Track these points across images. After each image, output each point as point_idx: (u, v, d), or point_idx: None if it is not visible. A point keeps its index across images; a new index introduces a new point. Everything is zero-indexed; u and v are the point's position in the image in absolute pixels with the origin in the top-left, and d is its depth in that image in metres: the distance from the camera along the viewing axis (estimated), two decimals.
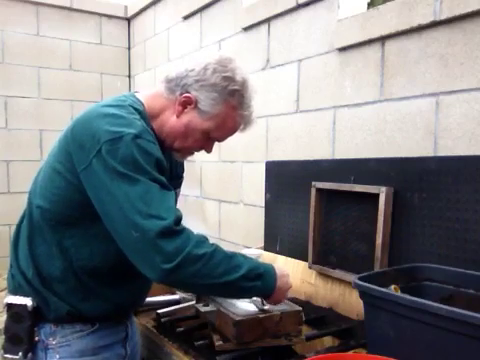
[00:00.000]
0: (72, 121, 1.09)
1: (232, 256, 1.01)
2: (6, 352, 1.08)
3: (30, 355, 1.08)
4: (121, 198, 0.94)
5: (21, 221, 1.17)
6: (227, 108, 1.10)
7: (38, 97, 3.33)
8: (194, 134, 1.13)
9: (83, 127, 1.02)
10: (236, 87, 1.09)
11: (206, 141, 1.17)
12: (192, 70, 1.08)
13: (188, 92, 1.09)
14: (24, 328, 1.07)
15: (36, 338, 1.09)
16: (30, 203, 1.13)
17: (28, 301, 1.07)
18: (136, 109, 1.07)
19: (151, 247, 0.92)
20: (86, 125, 1.02)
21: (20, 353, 1.07)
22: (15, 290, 1.12)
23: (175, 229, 0.93)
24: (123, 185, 0.94)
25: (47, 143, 3.33)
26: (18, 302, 1.08)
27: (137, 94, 1.17)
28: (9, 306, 1.09)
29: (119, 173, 0.95)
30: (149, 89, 1.22)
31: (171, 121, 1.12)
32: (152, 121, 1.12)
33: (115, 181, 0.95)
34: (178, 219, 0.96)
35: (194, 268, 0.94)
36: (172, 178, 1.23)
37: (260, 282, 1.03)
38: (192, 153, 1.23)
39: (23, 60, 3.26)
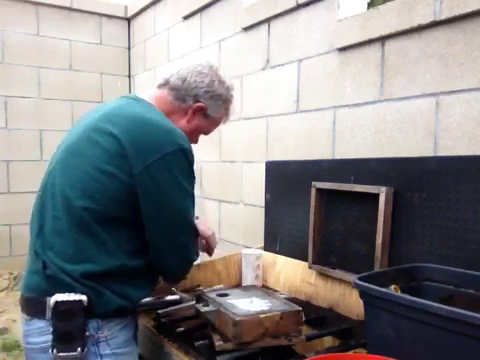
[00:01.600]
0: (112, 122, 1.14)
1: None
2: (60, 351, 1.09)
3: (86, 350, 1.11)
4: (178, 205, 1.16)
5: (40, 224, 1.16)
6: (223, 110, 1.36)
7: (38, 97, 3.33)
8: (197, 134, 1.37)
9: (141, 134, 1.12)
10: (231, 93, 1.36)
11: (199, 136, 1.40)
12: (201, 81, 1.28)
13: (199, 101, 1.28)
14: (77, 324, 1.09)
15: (86, 333, 1.11)
16: (67, 201, 1.13)
17: (81, 297, 1.09)
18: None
19: (189, 257, 1.26)
20: (144, 132, 1.13)
21: (78, 349, 1.08)
22: (55, 290, 1.10)
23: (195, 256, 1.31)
24: (181, 194, 1.16)
25: (47, 143, 3.33)
26: (70, 299, 1.09)
27: (143, 97, 1.28)
28: (57, 304, 1.08)
29: (178, 182, 1.14)
30: (148, 91, 1.32)
31: (181, 124, 1.27)
32: None
33: (174, 187, 1.14)
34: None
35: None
36: None
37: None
38: None
39: (23, 60, 3.26)
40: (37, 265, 1.14)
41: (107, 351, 1.13)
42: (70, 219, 1.12)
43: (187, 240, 1.22)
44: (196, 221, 1.54)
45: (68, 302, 1.08)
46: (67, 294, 1.09)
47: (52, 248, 1.13)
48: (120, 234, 1.14)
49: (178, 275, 1.29)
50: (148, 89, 1.34)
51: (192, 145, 1.34)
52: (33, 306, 1.14)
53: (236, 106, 2.35)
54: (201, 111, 1.29)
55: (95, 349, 1.12)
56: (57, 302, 1.08)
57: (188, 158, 1.15)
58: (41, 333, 1.12)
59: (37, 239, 1.16)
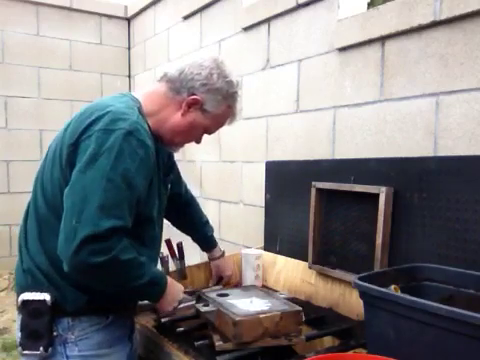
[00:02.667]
0: (75, 113, 1.16)
1: (142, 263, 1.08)
2: (25, 349, 1.10)
3: (50, 349, 1.10)
4: (85, 184, 1.01)
5: (26, 218, 1.19)
6: (225, 107, 1.25)
7: (38, 97, 3.33)
8: (196, 131, 1.26)
9: (86, 115, 1.10)
10: (235, 89, 1.25)
11: (201, 135, 1.30)
12: (198, 74, 1.19)
13: (195, 94, 1.19)
14: (43, 323, 1.09)
15: (54, 333, 1.10)
16: (35, 196, 1.17)
17: (46, 296, 1.09)
18: (134, 106, 1.15)
19: (78, 244, 0.97)
20: (88, 113, 1.10)
21: (41, 348, 1.08)
22: (29, 286, 1.12)
23: (103, 236, 0.99)
24: (94, 174, 1.01)
25: (47, 143, 3.30)
26: (36, 298, 1.09)
27: (133, 93, 1.24)
28: (25, 303, 1.10)
29: (97, 162, 1.01)
30: (144, 88, 1.29)
31: (175, 118, 1.21)
32: (149, 117, 1.19)
33: (89, 166, 1.01)
34: (114, 228, 1.00)
35: (113, 270, 1.03)
36: (166, 175, 1.33)
37: (151, 289, 1.14)
38: (183, 145, 1.34)
39: (23, 60, 3.26)
40: (18, 261, 1.18)
41: (74, 353, 1.11)
42: (36, 215, 1.15)
43: (79, 227, 0.98)
44: (217, 262, 1.66)
45: (34, 301, 1.09)
46: (34, 293, 1.10)
47: (26, 243, 1.16)
48: None
49: (72, 262, 1.00)
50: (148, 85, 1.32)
51: (194, 145, 1.34)
52: (17, 302, 1.15)
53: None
54: (197, 105, 1.20)
55: (62, 349, 1.11)
56: (23, 301, 1.10)
57: (120, 139, 1.03)
58: (18, 329, 1.14)
59: (22, 236, 1.19)
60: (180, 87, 1.20)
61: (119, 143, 1.02)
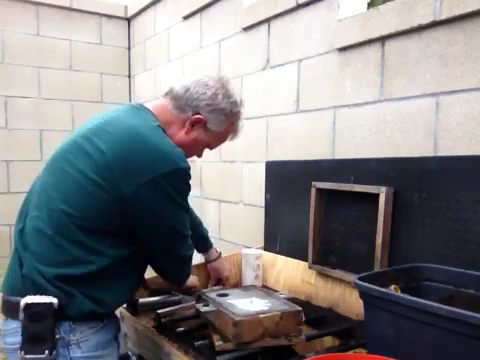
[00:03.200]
0: (105, 139, 1.12)
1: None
2: (27, 353, 1.08)
3: (54, 353, 1.10)
4: (172, 222, 1.16)
5: (23, 223, 1.18)
6: (227, 125, 1.31)
7: (38, 97, 3.33)
8: (198, 147, 1.33)
9: (130, 150, 1.09)
10: (238, 109, 1.31)
11: (202, 151, 1.38)
12: (203, 93, 1.24)
13: (199, 113, 1.24)
14: (46, 327, 1.08)
15: (56, 336, 1.10)
16: (50, 206, 1.13)
17: (52, 299, 1.08)
18: (160, 128, 1.20)
19: (185, 267, 1.30)
20: (134, 148, 1.10)
21: (46, 351, 1.08)
22: (27, 291, 1.11)
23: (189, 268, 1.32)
24: (175, 212, 1.16)
25: (47, 143, 3.33)
26: (40, 301, 1.08)
27: (146, 105, 1.26)
28: (27, 306, 1.08)
29: (173, 200, 1.13)
30: (155, 101, 1.31)
31: (179, 136, 1.26)
32: None
33: (168, 205, 1.13)
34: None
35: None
36: None
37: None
38: None
39: (23, 60, 3.26)
40: (15, 264, 1.16)
41: (78, 354, 1.12)
42: (50, 220, 1.12)
43: (185, 252, 1.25)
44: (214, 264, 1.73)
45: (39, 304, 1.08)
46: (38, 296, 1.09)
47: (30, 248, 1.14)
48: (98, 240, 1.11)
49: (180, 277, 1.34)
50: (158, 99, 1.33)
51: (195, 158, 1.37)
52: (8, 306, 1.14)
53: None
54: (200, 124, 1.26)
55: (65, 352, 1.11)
56: (27, 304, 1.08)
57: (183, 177, 1.13)
58: (14, 334, 1.11)
59: (18, 238, 1.17)
60: (185, 105, 1.24)
61: (184, 183, 1.15)
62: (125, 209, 1.10)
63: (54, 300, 1.08)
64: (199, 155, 1.38)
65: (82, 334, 1.12)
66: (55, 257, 1.10)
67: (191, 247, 1.27)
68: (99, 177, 1.09)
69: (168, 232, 1.17)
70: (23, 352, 1.08)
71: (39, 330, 1.08)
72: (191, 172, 1.17)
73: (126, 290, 1.23)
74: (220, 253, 1.74)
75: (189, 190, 1.18)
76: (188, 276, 1.34)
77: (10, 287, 1.16)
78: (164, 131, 1.19)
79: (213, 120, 1.26)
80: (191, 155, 1.33)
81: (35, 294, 1.09)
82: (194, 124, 1.25)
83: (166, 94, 1.27)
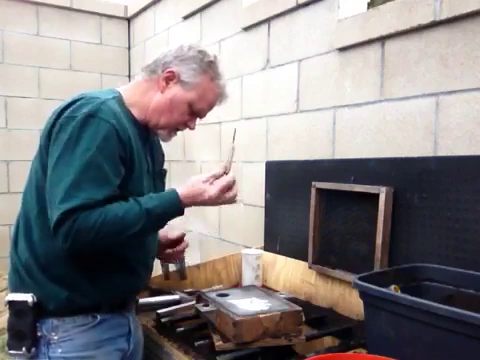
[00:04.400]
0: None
1: (126, 211, 1.06)
2: (10, 348, 1.12)
3: (33, 350, 1.11)
4: (51, 173, 1.05)
5: (18, 221, 1.21)
6: (206, 79, 1.21)
7: (38, 97, 3.33)
8: (179, 107, 1.21)
9: (57, 108, 1.15)
10: (211, 59, 1.22)
11: (190, 115, 1.24)
12: (169, 50, 1.21)
13: (169, 67, 1.19)
14: (26, 324, 1.10)
15: (38, 333, 1.11)
16: (24, 197, 1.20)
17: (28, 297, 1.10)
18: (110, 94, 1.17)
19: (54, 234, 1.03)
20: (60, 106, 1.14)
21: (24, 348, 1.09)
22: (16, 286, 1.15)
23: (61, 221, 1.01)
24: (56, 161, 1.05)
25: None
26: (19, 299, 1.11)
27: (116, 88, 1.26)
28: (11, 303, 1.12)
29: (63, 147, 1.05)
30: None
31: (156, 98, 1.21)
32: (133, 107, 1.20)
33: (54, 156, 1.05)
34: (68, 210, 1.01)
35: (89, 238, 1.02)
36: (155, 169, 1.30)
37: (166, 213, 1.12)
38: (176, 133, 1.29)
39: (23, 60, 3.26)
40: (10, 262, 1.19)
41: (57, 354, 1.12)
42: (25, 216, 1.17)
43: (52, 214, 1.03)
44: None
45: (17, 302, 1.11)
46: (19, 294, 1.12)
47: (16, 245, 1.18)
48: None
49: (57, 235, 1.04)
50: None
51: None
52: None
53: (236, 106, 2.35)
54: (174, 79, 1.19)
55: (45, 350, 1.12)
56: (9, 301, 1.12)
57: (79, 123, 1.05)
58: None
59: (13, 238, 1.21)
60: (155, 66, 1.21)
61: (77, 128, 1.05)
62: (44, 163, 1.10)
63: (29, 298, 1.10)
64: (189, 122, 1.25)
65: (65, 333, 1.12)
66: (30, 246, 1.13)
67: (55, 209, 1.02)
68: (40, 150, 1.14)
69: (48, 181, 1.06)
70: (7, 348, 1.12)
71: (21, 327, 1.11)
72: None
73: (106, 277, 1.14)
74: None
75: (94, 142, 1.05)
76: (69, 245, 1.03)
77: (9, 284, 1.19)
78: (116, 100, 1.15)
79: (186, 71, 1.19)
80: (176, 119, 1.22)
81: (20, 290, 1.12)
82: (168, 81, 1.20)
83: (139, 72, 1.27)
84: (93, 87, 3.50)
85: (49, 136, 1.10)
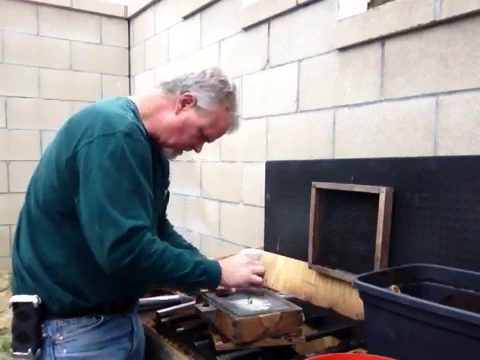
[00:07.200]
0: (69, 116, 1.17)
1: (179, 255, 1.12)
2: (15, 350, 1.12)
3: (38, 351, 1.12)
4: (98, 192, 1.02)
5: (20, 221, 1.21)
6: (221, 108, 1.23)
7: (38, 97, 3.33)
8: (190, 130, 1.22)
9: (78, 122, 1.11)
10: (230, 90, 1.23)
11: (198, 139, 1.26)
12: (192, 73, 1.21)
13: (188, 91, 1.20)
14: (31, 325, 1.10)
15: (43, 334, 1.12)
16: (28, 199, 1.19)
17: (33, 298, 1.10)
18: (129, 107, 1.17)
19: (108, 250, 1.01)
20: (81, 120, 1.10)
21: (29, 350, 1.10)
22: (19, 288, 1.15)
23: (127, 237, 1.02)
24: (104, 179, 1.03)
25: (47, 143, 3.32)
26: (23, 300, 1.11)
27: (130, 97, 1.25)
28: (15, 305, 1.12)
29: (104, 168, 1.03)
30: (141, 93, 1.31)
31: (169, 117, 1.22)
32: (145, 120, 1.20)
33: (97, 174, 1.03)
34: (135, 227, 1.03)
35: (145, 264, 1.04)
36: (164, 178, 1.34)
37: (205, 277, 1.15)
38: (181, 153, 1.31)
39: (23, 60, 3.26)
40: (11, 264, 1.20)
41: (62, 354, 1.12)
42: (27, 212, 1.17)
43: (103, 233, 1.02)
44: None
45: (23, 303, 1.11)
46: (23, 295, 1.12)
47: (18, 246, 1.18)
48: (62, 224, 1.11)
49: (108, 267, 1.04)
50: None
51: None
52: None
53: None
54: (190, 103, 1.20)
55: (51, 351, 1.12)
56: (14, 303, 1.12)
57: (121, 141, 1.04)
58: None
59: (15, 239, 1.21)
60: (174, 86, 1.21)
61: (121, 146, 1.04)
62: (63, 179, 1.08)
63: (34, 299, 1.10)
64: (195, 145, 1.27)
65: (70, 334, 1.12)
66: (35, 250, 1.13)
67: (113, 228, 1.02)
68: (53, 155, 1.12)
69: (92, 203, 1.03)
70: (12, 349, 1.12)
71: (25, 329, 1.11)
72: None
73: (107, 279, 1.11)
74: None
75: (132, 161, 1.05)
76: (115, 265, 1.02)
77: (12, 286, 1.19)
78: (134, 113, 1.15)
79: (203, 98, 1.19)
80: (185, 141, 1.24)
81: (22, 292, 1.13)
82: (184, 103, 1.21)
83: (158, 85, 1.26)
84: (93, 87, 3.51)
85: (73, 152, 1.07)
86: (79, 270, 1.12)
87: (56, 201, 1.10)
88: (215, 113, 1.22)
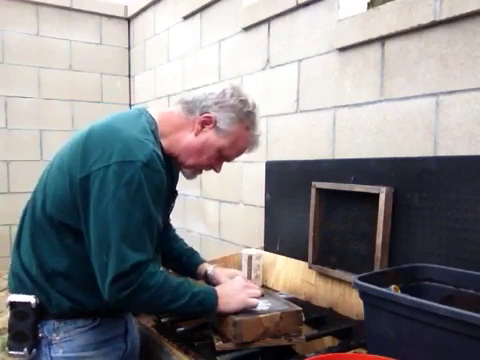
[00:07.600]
0: (89, 127, 1.13)
1: (177, 286, 1.11)
2: (11, 349, 1.12)
3: (34, 351, 1.12)
4: (107, 219, 1.02)
5: (22, 221, 1.20)
6: (241, 128, 1.21)
7: (38, 97, 3.33)
8: (209, 151, 1.21)
9: (97, 139, 1.08)
10: (250, 109, 1.21)
11: (217, 160, 1.26)
12: (211, 93, 1.19)
13: (208, 113, 1.19)
14: (28, 325, 1.11)
15: (40, 334, 1.12)
16: (34, 201, 1.17)
17: (31, 298, 1.11)
18: (150, 128, 1.15)
19: (110, 282, 1.03)
20: (100, 138, 1.08)
21: (25, 349, 1.10)
22: (17, 288, 1.15)
23: (128, 272, 1.03)
24: (115, 209, 1.02)
25: (47, 143, 3.33)
26: (21, 300, 1.11)
27: (150, 110, 1.23)
28: (12, 304, 1.12)
29: (117, 197, 1.02)
30: (160, 108, 1.27)
31: (188, 138, 1.20)
32: (163, 138, 1.19)
33: (109, 202, 1.02)
34: (137, 263, 1.03)
35: (143, 297, 1.05)
36: (172, 193, 1.31)
37: (201, 307, 1.13)
38: (201, 172, 1.30)
39: (23, 60, 3.26)
40: (10, 264, 1.20)
41: (58, 354, 1.13)
42: (31, 215, 1.16)
43: (109, 263, 1.03)
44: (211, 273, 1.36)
45: (21, 303, 1.11)
46: (20, 295, 1.12)
47: (19, 246, 1.18)
48: (66, 235, 1.11)
49: (107, 297, 1.05)
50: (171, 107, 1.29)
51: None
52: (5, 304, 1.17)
53: None
54: (210, 124, 1.19)
55: (47, 351, 1.13)
56: (11, 302, 1.12)
57: (139, 172, 1.03)
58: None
59: (15, 240, 1.21)
60: (194, 107, 1.20)
61: (138, 177, 1.03)
62: (74, 196, 1.07)
63: (32, 299, 1.10)
64: (215, 165, 1.27)
65: (66, 334, 1.13)
66: (35, 255, 1.13)
67: (119, 261, 1.02)
68: (67, 166, 1.10)
69: (99, 231, 1.03)
70: (7, 348, 1.12)
71: (23, 328, 1.11)
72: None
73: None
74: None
75: (147, 192, 1.04)
76: (116, 300, 1.04)
77: (9, 286, 1.20)
78: (154, 134, 1.14)
79: (223, 119, 1.18)
80: (203, 162, 1.24)
81: (20, 292, 1.13)
82: (203, 124, 1.19)
83: (177, 103, 1.25)
84: (93, 87, 3.51)
85: (87, 173, 1.05)
86: (79, 280, 1.12)
87: (63, 212, 1.10)
88: (235, 133, 1.20)
